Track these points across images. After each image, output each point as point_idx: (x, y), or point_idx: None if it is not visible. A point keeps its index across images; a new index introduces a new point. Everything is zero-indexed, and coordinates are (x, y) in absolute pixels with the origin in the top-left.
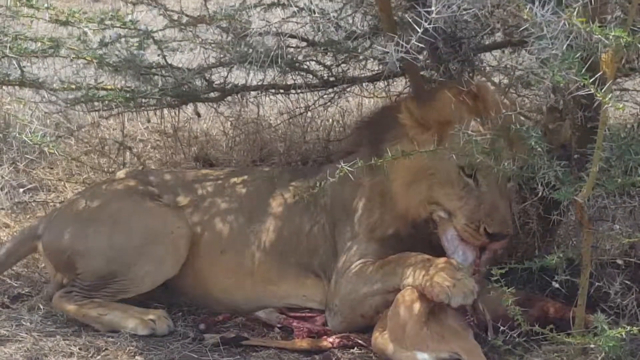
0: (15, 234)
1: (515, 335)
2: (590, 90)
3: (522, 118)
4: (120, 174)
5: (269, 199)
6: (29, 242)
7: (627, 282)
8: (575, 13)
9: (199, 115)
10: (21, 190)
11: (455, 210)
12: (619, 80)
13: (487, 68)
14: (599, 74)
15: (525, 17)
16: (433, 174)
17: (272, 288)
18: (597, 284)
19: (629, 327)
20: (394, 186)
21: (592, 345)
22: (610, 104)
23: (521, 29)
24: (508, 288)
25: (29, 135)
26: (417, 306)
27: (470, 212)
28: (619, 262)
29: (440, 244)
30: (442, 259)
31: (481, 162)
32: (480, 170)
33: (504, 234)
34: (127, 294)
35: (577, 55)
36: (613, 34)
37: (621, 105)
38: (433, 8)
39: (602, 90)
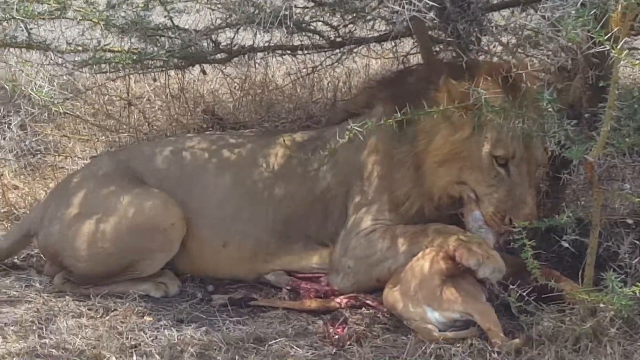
0: (12, 225)
1: (525, 294)
2: (603, 48)
3: (532, 78)
4: (98, 159)
5: (273, 168)
6: (26, 240)
7: (636, 241)
8: None
9: (204, 73)
10: (29, 152)
11: (483, 197)
12: (628, 39)
13: (496, 28)
14: (613, 30)
15: None
16: (465, 157)
17: (277, 262)
18: (606, 243)
19: None
20: (425, 163)
21: (601, 305)
22: (625, 60)
23: None
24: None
25: (35, 90)
26: (437, 264)
27: (499, 201)
28: (629, 221)
29: (458, 225)
30: (479, 236)
31: (515, 153)
32: (513, 161)
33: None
34: (121, 284)
35: (592, 12)
36: None
37: (637, 62)
38: None
39: (617, 47)
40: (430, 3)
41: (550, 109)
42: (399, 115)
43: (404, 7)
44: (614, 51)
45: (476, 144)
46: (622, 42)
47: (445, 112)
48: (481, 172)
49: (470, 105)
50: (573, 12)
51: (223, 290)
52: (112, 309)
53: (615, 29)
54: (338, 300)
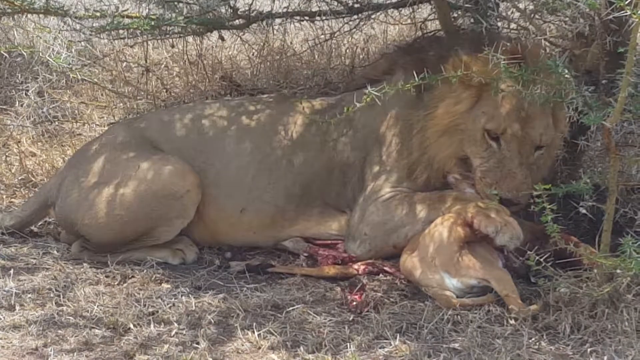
0: (33, 194)
1: (542, 260)
2: (622, 13)
3: (548, 44)
4: (116, 127)
5: (292, 135)
6: (43, 210)
7: None
8: None
9: (223, 39)
10: (47, 119)
11: (476, 167)
12: None
13: None
14: None
15: None
16: (463, 130)
17: (295, 228)
18: (622, 209)
19: None
20: (428, 133)
21: (618, 271)
22: None
23: None
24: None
25: (53, 57)
26: (455, 231)
27: (488, 169)
28: None
29: None
30: (496, 203)
31: (505, 128)
32: (504, 136)
33: (514, 202)
34: (137, 250)
35: None
36: None
37: None
38: None
39: (639, 12)
40: None
41: (567, 76)
42: (417, 80)
43: None
44: (634, 16)
45: (472, 117)
46: None
47: (451, 83)
48: (475, 145)
49: (473, 80)
50: None
51: (240, 257)
52: (130, 277)
53: None
54: (356, 267)
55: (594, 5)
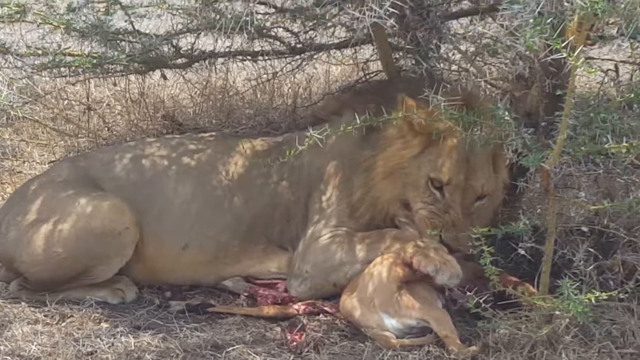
0: None
1: (481, 301)
2: (560, 55)
3: (489, 86)
4: (57, 166)
5: (235, 175)
6: None
7: (591, 249)
8: None
9: (165, 78)
10: None
11: (418, 210)
12: (584, 48)
13: (454, 36)
14: (571, 38)
15: None
16: (407, 174)
17: (237, 266)
18: (561, 251)
19: (597, 293)
20: (372, 174)
21: (557, 312)
22: (582, 68)
23: None
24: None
25: None
26: (394, 271)
27: (432, 214)
28: (584, 229)
29: None
30: (437, 242)
31: (450, 179)
32: (448, 186)
33: (454, 250)
34: (76, 290)
35: (549, 20)
36: None
37: (593, 69)
38: None
39: (575, 55)
40: (391, 10)
41: (507, 118)
42: (359, 122)
43: (364, 14)
44: (571, 59)
45: (418, 164)
46: (579, 50)
47: (400, 128)
48: (418, 191)
49: (420, 125)
50: (531, 20)
51: (180, 297)
52: (69, 316)
53: (571, 38)
54: (296, 306)
55: (533, 47)
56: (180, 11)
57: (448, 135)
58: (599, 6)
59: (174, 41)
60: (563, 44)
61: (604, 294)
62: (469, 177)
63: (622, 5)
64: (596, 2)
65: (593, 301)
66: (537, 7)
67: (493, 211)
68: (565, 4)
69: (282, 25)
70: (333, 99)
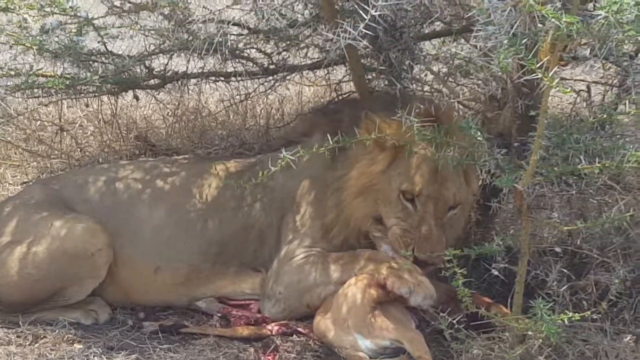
0: None
1: (455, 322)
2: (534, 76)
3: (461, 107)
4: (30, 188)
5: (207, 198)
6: None
7: (564, 269)
8: None
9: (137, 98)
10: None
11: (392, 226)
12: (557, 69)
13: (427, 57)
14: (544, 59)
15: (472, 3)
16: (378, 190)
17: (210, 287)
18: (534, 271)
19: (570, 314)
20: (344, 194)
21: (530, 332)
22: (556, 88)
23: (466, 16)
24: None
25: None
26: (367, 292)
27: (404, 230)
28: (557, 249)
29: None
30: (409, 263)
31: (421, 190)
32: (419, 197)
33: (429, 263)
34: (50, 311)
35: (523, 41)
36: (565, 19)
37: (568, 90)
38: None
39: (549, 75)
40: (364, 31)
41: (480, 138)
42: (331, 143)
43: (338, 35)
44: (545, 79)
45: (387, 178)
46: (553, 71)
47: (366, 145)
48: (390, 205)
49: (386, 141)
50: (505, 41)
51: (154, 318)
52: (42, 337)
53: (545, 59)
54: (269, 327)
55: (506, 68)
56: (152, 32)
57: (416, 146)
58: (574, 27)
59: (147, 62)
60: (538, 65)
61: (577, 314)
62: (440, 187)
63: (596, 27)
64: (571, 23)
65: (566, 322)
66: (512, 29)
67: (465, 223)
68: (539, 25)
69: (255, 46)
70: (303, 120)
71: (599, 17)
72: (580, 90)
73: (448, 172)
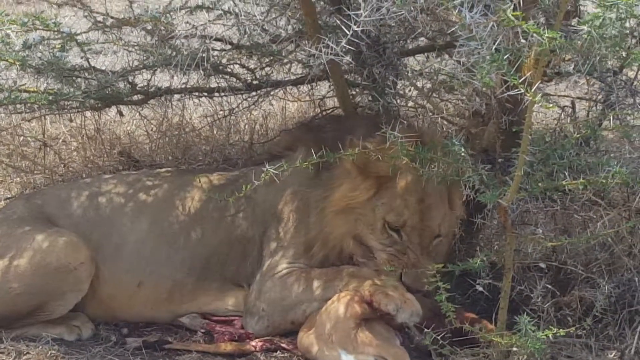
0: None
1: (439, 338)
2: (517, 91)
3: (445, 123)
4: (13, 203)
5: (190, 210)
6: None
7: (548, 285)
8: (508, 11)
9: (121, 114)
10: None
11: (377, 251)
12: (541, 85)
13: (411, 72)
14: (527, 74)
15: (454, 19)
16: (360, 214)
17: (193, 303)
18: (519, 287)
19: (554, 330)
20: (325, 212)
21: (514, 348)
22: (540, 104)
23: (449, 31)
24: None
25: None
26: (352, 308)
27: (391, 257)
28: (542, 265)
29: None
30: (394, 280)
31: (406, 221)
32: (404, 228)
33: (417, 289)
34: (33, 326)
35: (506, 57)
36: (547, 34)
37: (551, 105)
38: (362, 11)
39: (532, 90)
40: (347, 47)
41: (463, 154)
42: (315, 158)
43: (320, 51)
44: (528, 94)
45: (372, 207)
46: (536, 86)
47: (350, 170)
48: (375, 233)
49: (369, 168)
50: (488, 57)
51: (137, 334)
52: (25, 353)
53: (528, 74)
54: (253, 343)
55: (489, 83)
56: (136, 47)
57: (401, 175)
58: (557, 42)
59: (130, 78)
60: (520, 80)
61: (561, 330)
62: (425, 218)
63: (579, 42)
64: (553, 39)
65: (550, 337)
66: (494, 44)
67: (449, 249)
68: (522, 40)
69: (239, 62)
70: (287, 134)
71: (582, 32)
72: (564, 106)
73: (432, 202)
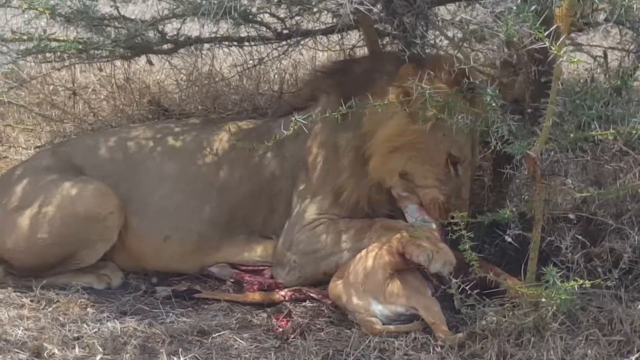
0: None
1: (466, 287)
2: (544, 44)
3: (476, 72)
4: (40, 153)
5: (218, 159)
6: None
7: (578, 236)
8: None
9: (151, 63)
10: None
11: (426, 189)
12: (572, 35)
13: (441, 22)
14: (553, 27)
15: None
16: (420, 149)
17: (221, 254)
18: (548, 238)
19: (581, 281)
20: (373, 152)
21: (543, 300)
22: (564, 58)
23: None
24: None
25: None
26: (384, 259)
27: (442, 194)
28: (571, 216)
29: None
30: (426, 229)
31: (466, 156)
32: (463, 164)
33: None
34: (62, 275)
35: (532, 8)
36: None
37: (575, 59)
38: None
39: (557, 44)
40: None
41: (493, 104)
42: (344, 108)
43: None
44: (553, 48)
45: (434, 139)
46: (562, 39)
47: (398, 100)
48: (431, 167)
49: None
50: (514, 7)
51: (167, 283)
52: (55, 301)
53: (555, 26)
54: (282, 293)
55: (514, 35)
56: None
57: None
58: None
59: (160, 26)
60: (545, 33)
61: (588, 281)
62: (475, 154)
63: None
64: None
65: (576, 288)
66: None
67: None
68: None
69: (268, 11)
70: (306, 85)
71: None
72: (597, 56)
73: (476, 138)
